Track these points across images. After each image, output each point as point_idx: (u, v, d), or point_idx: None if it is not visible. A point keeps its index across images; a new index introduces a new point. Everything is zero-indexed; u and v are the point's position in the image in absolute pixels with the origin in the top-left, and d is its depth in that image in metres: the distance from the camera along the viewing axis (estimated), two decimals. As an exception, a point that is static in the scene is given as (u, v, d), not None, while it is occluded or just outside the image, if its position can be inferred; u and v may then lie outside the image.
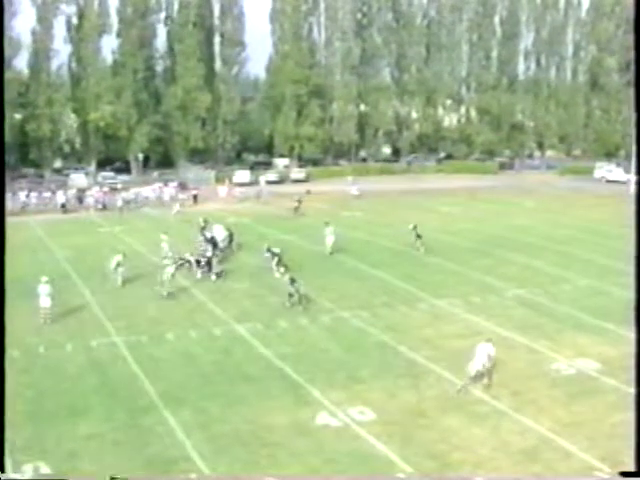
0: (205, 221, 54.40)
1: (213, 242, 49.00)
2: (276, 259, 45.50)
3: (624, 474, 17.23)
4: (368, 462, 21.84)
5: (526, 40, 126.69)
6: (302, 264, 47.20)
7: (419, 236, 52.72)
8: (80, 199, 79.89)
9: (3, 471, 16.71)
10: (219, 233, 51.85)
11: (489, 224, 63.75)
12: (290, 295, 38.24)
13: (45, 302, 35.77)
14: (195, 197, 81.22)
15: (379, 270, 46.58)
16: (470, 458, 22.00)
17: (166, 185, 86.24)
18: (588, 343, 32.26)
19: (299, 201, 70.42)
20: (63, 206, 76.50)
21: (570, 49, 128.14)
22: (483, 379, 27.30)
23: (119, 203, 75.96)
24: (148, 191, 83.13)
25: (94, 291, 41.99)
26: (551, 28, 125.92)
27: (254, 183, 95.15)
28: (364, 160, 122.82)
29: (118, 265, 43.47)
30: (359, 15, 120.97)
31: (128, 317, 37.06)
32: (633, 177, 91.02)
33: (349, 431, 23.90)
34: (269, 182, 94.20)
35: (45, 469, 21.50)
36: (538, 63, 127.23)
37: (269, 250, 46.12)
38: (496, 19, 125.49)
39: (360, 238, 56.49)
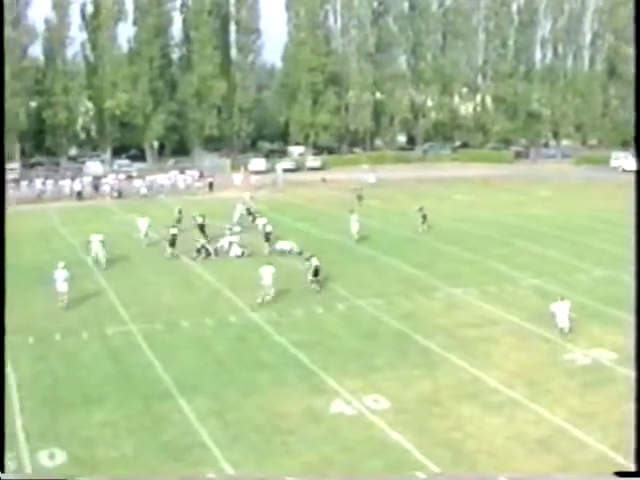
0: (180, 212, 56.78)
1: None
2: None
3: (624, 474, 17.18)
4: (382, 450, 21.85)
5: (543, 28, 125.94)
6: (316, 252, 47.12)
7: (424, 217, 52.73)
8: (96, 187, 79.97)
9: (3, 471, 16.76)
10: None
11: (504, 213, 63.58)
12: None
13: (62, 287, 36.33)
14: (211, 185, 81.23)
15: (394, 258, 46.56)
16: (484, 447, 21.98)
17: (182, 173, 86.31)
18: (603, 333, 32.16)
19: (357, 190, 69.43)
20: (79, 194, 76.62)
21: (588, 37, 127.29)
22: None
23: (142, 191, 76.17)
24: (163, 179, 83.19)
25: (109, 278, 42.08)
26: (569, 16, 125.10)
27: (269, 171, 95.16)
28: (379, 148, 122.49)
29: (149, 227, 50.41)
30: (375, 3, 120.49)
31: (143, 304, 37.15)
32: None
33: (363, 419, 23.92)
34: (284, 170, 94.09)
35: (60, 455, 21.58)
36: (555, 51, 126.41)
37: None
38: (514, 7, 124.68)
39: (375, 226, 56.40)
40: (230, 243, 48.47)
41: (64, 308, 36.28)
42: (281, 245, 48.73)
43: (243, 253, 47.51)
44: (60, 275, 36.52)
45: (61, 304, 36.34)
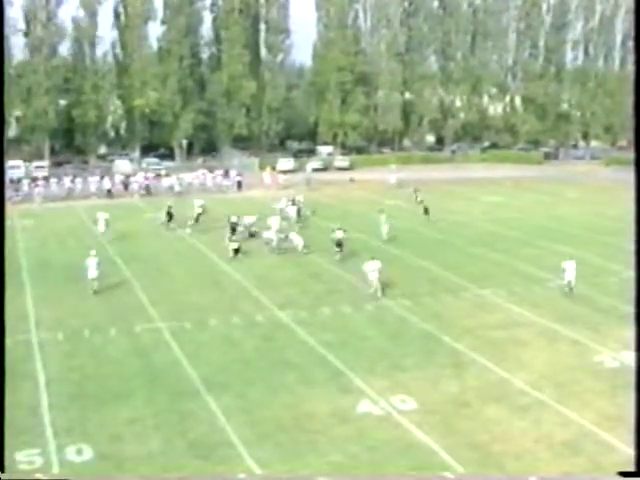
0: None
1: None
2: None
3: (623, 474, 17.05)
4: (409, 451, 21.82)
5: (574, 29, 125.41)
6: (346, 251, 47.16)
7: (421, 201, 55.57)
8: (125, 185, 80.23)
9: (3, 471, 16.81)
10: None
11: (533, 214, 63.36)
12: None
13: (92, 273, 38.53)
14: (239, 184, 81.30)
15: (423, 259, 46.48)
16: (511, 449, 21.90)
17: (211, 172, 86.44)
18: (633, 335, 31.87)
19: (416, 190, 69.35)
20: (109, 192, 76.87)
21: (619, 38, 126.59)
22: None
23: (176, 188, 76.42)
24: (192, 177, 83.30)
25: (138, 276, 42.25)
26: (600, 17, 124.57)
27: (297, 170, 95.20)
28: (408, 149, 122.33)
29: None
30: (405, 2, 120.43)
31: (172, 303, 37.28)
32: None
33: (390, 420, 23.88)
34: (313, 170, 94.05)
35: (88, 452, 21.68)
36: (586, 52, 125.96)
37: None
38: (544, 7, 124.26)
39: (404, 227, 56.27)
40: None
41: (94, 293, 38.18)
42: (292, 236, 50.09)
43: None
44: (91, 262, 38.73)
45: (91, 290, 38.32)
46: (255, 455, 21.43)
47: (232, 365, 28.76)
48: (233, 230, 51.57)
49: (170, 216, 57.57)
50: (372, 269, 38.81)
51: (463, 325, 33.60)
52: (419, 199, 61.76)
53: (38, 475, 20.65)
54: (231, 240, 48.83)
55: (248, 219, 54.15)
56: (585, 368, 28.37)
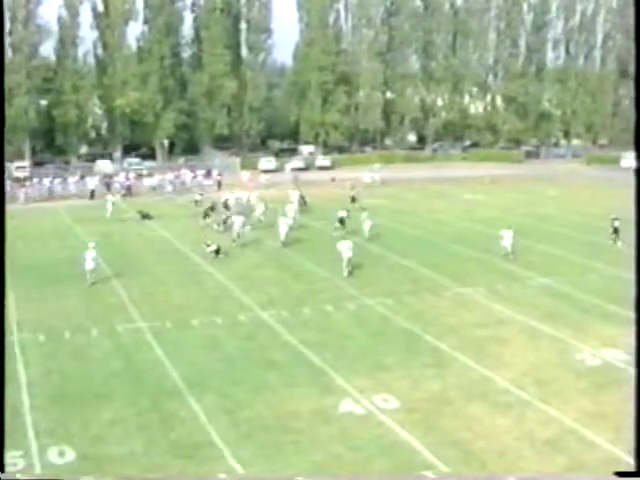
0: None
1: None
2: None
3: (623, 474, 17.12)
4: (391, 450, 21.82)
5: (555, 28, 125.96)
6: (328, 251, 47.19)
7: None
8: (108, 185, 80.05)
9: (3, 471, 16.75)
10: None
11: (514, 213, 63.47)
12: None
13: (90, 265, 40.27)
14: (219, 183, 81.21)
15: (404, 258, 46.53)
16: (494, 447, 21.93)
17: (192, 171, 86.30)
18: (614, 333, 32.06)
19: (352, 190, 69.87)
20: (92, 192, 76.62)
21: (599, 38, 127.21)
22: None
23: (168, 188, 76.47)
24: (172, 177, 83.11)
25: (120, 276, 42.15)
26: (581, 16, 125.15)
27: (279, 170, 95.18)
28: (389, 148, 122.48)
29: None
30: (386, 2, 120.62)
31: (153, 302, 37.21)
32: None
33: (373, 419, 23.88)
34: (294, 169, 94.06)
35: (70, 453, 21.60)
36: (567, 51, 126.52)
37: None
38: (525, 7, 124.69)
39: (385, 225, 56.32)
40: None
41: (91, 285, 39.79)
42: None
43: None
44: (89, 254, 40.47)
45: (89, 281, 40.01)
46: (237, 455, 21.40)
47: (214, 365, 28.70)
48: (212, 209, 58.48)
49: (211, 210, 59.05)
50: (345, 247, 42.47)
51: (445, 323, 33.64)
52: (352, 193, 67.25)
53: (38, 475, 20.61)
54: (205, 218, 57.11)
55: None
56: (567, 366, 28.43)
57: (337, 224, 53.38)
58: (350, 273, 42.16)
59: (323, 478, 20.56)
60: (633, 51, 18.07)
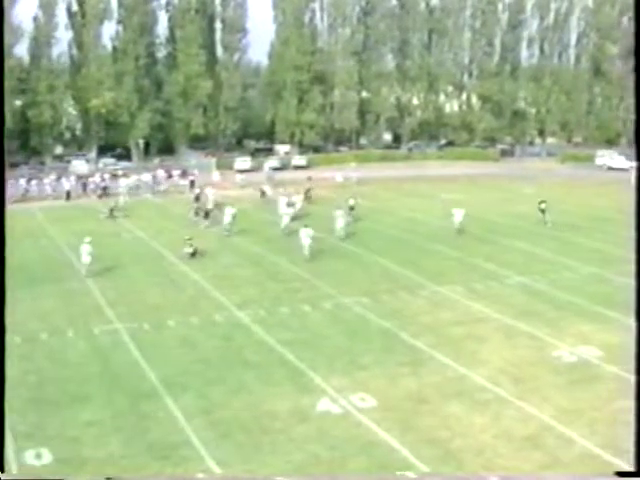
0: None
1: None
2: None
3: (623, 474, 17.21)
4: (369, 449, 21.83)
5: (530, 27, 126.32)
6: (312, 256, 47.25)
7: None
8: (84, 186, 79.72)
9: (3, 471, 16.68)
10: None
11: (490, 211, 63.64)
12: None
13: (86, 259, 42.40)
14: (192, 183, 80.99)
15: (380, 257, 46.58)
16: (471, 445, 21.99)
17: (167, 172, 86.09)
18: (590, 330, 32.25)
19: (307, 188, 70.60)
20: (68, 193, 76.27)
21: (573, 36, 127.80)
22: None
23: (159, 188, 76.59)
24: (148, 177, 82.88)
25: (95, 277, 41.99)
26: (556, 15, 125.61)
27: (255, 169, 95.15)
28: (365, 147, 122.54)
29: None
30: (362, 1, 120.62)
31: (130, 304, 37.09)
32: (635, 164, 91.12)
33: (350, 418, 23.89)
34: (272, 168, 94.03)
35: (48, 455, 21.50)
36: (542, 50, 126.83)
37: None
38: (500, 6, 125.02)
39: (361, 225, 56.42)
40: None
41: (86, 277, 41.66)
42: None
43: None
44: (85, 249, 42.44)
45: (84, 273, 42.06)
46: (215, 455, 21.36)
47: (191, 366, 28.64)
48: (197, 199, 64.31)
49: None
50: (305, 235, 45.90)
51: (421, 322, 33.70)
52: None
53: (38, 475, 20.52)
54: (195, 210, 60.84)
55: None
56: (543, 363, 28.55)
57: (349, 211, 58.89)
58: (312, 257, 45.30)
59: (302, 478, 20.55)
60: (633, 51, 18.18)
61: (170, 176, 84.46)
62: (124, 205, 67.85)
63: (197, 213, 60.48)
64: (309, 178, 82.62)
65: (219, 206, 61.07)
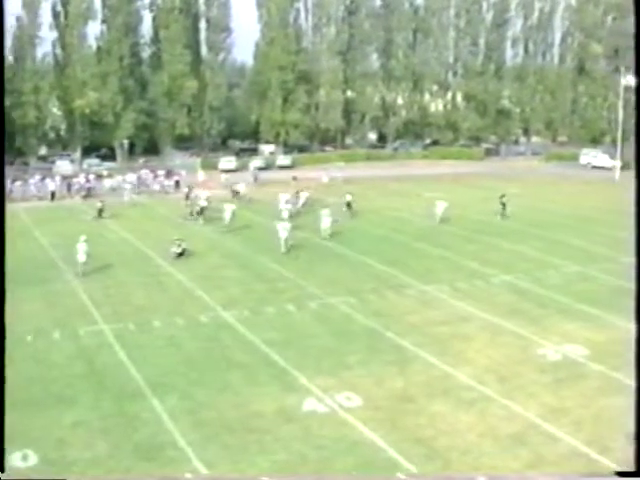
0: None
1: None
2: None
3: (624, 474, 17.27)
4: (355, 448, 21.86)
5: (514, 26, 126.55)
6: (288, 250, 47.26)
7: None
8: (69, 186, 79.44)
9: (3, 471, 16.65)
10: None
11: (475, 210, 63.81)
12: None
13: (82, 257, 42.77)
14: (177, 183, 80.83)
15: (366, 256, 46.61)
16: (457, 443, 22.05)
17: (152, 172, 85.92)
18: (575, 329, 32.39)
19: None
20: (53, 194, 76.01)
21: (557, 35, 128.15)
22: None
23: (128, 189, 76.34)
24: (132, 178, 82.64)
25: (81, 278, 41.87)
26: (540, 14, 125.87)
27: (240, 169, 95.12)
28: (350, 146, 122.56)
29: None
30: (347, 1, 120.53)
31: (115, 304, 37.01)
32: (619, 163, 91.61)
33: (336, 417, 23.92)
34: (257, 168, 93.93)
35: (33, 457, 21.44)
36: (526, 49, 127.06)
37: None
38: (484, 5, 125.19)
39: (347, 224, 56.44)
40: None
41: (81, 275, 42.13)
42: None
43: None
44: (81, 247, 42.87)
45: (80, 271, 42.45)
46: (201, 456, 21.35)
47: (177, 366, 28.61)
48: (187, 197, 66.38)
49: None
50: (282, 228, 48.08)
51: (407, 321, 33.76)
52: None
53: (38, 475, 20.49)
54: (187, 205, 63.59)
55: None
56: (529, 361, 28.67)
57: (345, 208, 61.43)
58: (288, 251, 47.51)
59: (288, 477, 20.57)
60: (633, 51, 18.19)
61: (155, 176, 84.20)
62: (109, 206, 67.62)
63: (191, 213, 61.41)
64: (294, 178, 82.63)
65: (210, 204, 61.63)
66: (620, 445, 21.34)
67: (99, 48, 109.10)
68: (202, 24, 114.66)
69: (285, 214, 55.89)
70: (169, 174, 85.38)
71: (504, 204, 60.14)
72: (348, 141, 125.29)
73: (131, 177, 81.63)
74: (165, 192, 78.34)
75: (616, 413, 23.67)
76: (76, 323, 33.93)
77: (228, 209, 55.88)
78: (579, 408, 24.34)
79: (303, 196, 65.95)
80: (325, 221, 52.45)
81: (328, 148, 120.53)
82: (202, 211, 59.73)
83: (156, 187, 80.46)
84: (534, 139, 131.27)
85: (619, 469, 18.78)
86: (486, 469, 20.54)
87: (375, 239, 52.56)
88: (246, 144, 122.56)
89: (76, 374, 27.95)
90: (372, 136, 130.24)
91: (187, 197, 66.93)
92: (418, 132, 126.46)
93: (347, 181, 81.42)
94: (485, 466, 20.72)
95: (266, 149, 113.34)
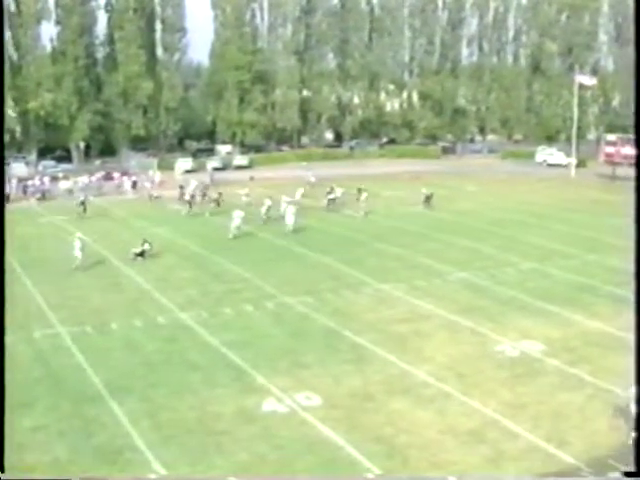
0: None
1: None
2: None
3: (624, 474, 17.40)
4: (315, 447, 21.88)
5: (469, 25, 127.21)
6: (247, 250, 47.19)
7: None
8: (24, 188, 78.71)
9: (3, 471, 16.50)
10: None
11: (434, 208, 64.00)
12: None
13: (78, 253, 44.43)
14: (134, 184, 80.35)
15: (324, 255, 46.62)
16: (416, 441, 22.13)
17: (108, 173, 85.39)
18: (532, 325, 32.62)
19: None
20: (7, 196, 75.25)
21: (511, 34, 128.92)
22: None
23: (104, 189, 76.03)
24: (87, 179, 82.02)
25: (36, 281, 41.50)
26: (495, 13, 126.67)
27: (197, 170, 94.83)
28: (306, 146, 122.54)
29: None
30: (303, 0, 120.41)
31: (71, 307, 36.72)
32: (574, 160, 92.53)
33: (296, 417, 23.93)
34: (215, 168, 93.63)
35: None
36: (481, 48, 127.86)
37: None
38: (440, 4, 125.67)
39: (304, 224, 56.41)
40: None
41: (76, 269, 43.48)
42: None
43: None
44: (77, 244, 44.64)
45: (75, 267, 43.88)
46: (161, 458, 21.27)
47: (135, 368, 28.46)
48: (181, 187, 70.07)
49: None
50: (236, 216, 52.39)
51: (365, 320, 33.83)
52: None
53: (38, 475, 20.41)
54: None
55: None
56: (486, 358, 28.84)
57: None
58: (235, 237, 51.67)
59: (249, 478, 20.53)
60: (634, 52, 18.32)
61: (111, 178, 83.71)
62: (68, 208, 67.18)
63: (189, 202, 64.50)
64: (251, 178, 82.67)
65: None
66: (577, 440, 21.57)
67: (54, 49, 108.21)
68: (157, 24, 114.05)
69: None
70: (125, 175, 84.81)
71: (428, 197, 65.31)
72: (305, 140, 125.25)
73: (86, 179, 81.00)
74: (120, 193, 77.83)
75: (573, 408, 23.88)
76: (32, 326, 33.61)
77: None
78: (537, 404, 24.51)
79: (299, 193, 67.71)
80: (289, 218, 53.20)
81: (285, 148, 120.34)
82: (190, 202, 64.10)
83: (112, 188, 79.92)
84: (490, 137, 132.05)
85: (624, 469, 18.80)
86: (446, 465, 20.65)
87: (333, 238, 52.50)
88: (203, 144, 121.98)
89: (34, 378, 27.70)
90: (329, 135, 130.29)
91: (181, 187, 70.78)
92: (374, 131, 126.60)
93: (314, 184, 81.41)
94: (445, 462, 20.83)
95: (223, 149, 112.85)
